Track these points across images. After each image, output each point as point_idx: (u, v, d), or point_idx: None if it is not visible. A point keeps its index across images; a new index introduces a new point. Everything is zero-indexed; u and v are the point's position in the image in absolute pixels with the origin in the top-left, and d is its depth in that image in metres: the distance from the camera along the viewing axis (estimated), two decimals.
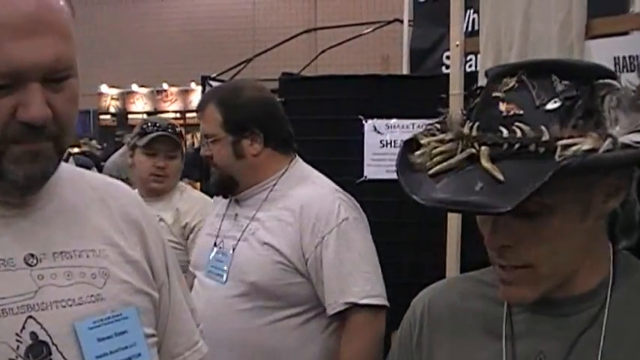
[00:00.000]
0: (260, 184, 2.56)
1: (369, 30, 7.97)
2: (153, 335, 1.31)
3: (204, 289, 2.49)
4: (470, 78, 2.96)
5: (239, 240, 2.48)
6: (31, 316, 1.12)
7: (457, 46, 2.97)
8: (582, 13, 2.50)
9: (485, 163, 1.01)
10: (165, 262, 1.37)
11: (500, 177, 0.99)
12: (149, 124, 3.60)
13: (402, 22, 5.82)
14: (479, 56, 4.12)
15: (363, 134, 3.61)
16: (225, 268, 2.45)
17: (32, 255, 1.16)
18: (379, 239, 3.85)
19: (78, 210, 1.26)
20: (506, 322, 1.19)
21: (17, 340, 1.10)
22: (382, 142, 3.57)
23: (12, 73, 1.05)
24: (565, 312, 1.14)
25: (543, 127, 1.00)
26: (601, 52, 2.44)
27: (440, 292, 1.34)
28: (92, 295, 1.19)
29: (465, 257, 2.91)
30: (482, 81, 2.21)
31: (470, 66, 3.95)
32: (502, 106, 1.05)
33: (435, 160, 1.10)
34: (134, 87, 17.03)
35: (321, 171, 3.91)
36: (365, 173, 3.65)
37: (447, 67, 4.90)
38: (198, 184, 7.95)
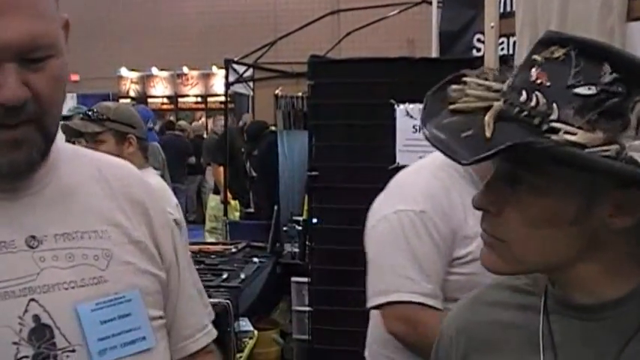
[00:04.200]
0: None
1: (394, 12, 7.93)
2: (160, 317, 1.30)
3: None
4: (503, 61, 2.95)
5: None
6: (33, 299, 1.12)
7: (492, 27, 2.96)
8: None
9: (487, 118, 1.00)
10: (173, 242, 1.36)
11: (488, 134, 0.98)
12: None
13: (429, 3, 5.78)
14: (512, 39, 4.11)
15: (394, 119, 3.61)
16: None
17: (33, 237, 1.15)
18: None
19: (78, 191, 1.25)
20: (543, 331, 1.14)
21: (20, 324, 1.10)
22: (415, 127, 3.55)
23: None
24: (608, 315, 1.10)
25: (555, 105, 0.98)
26: None
27: (469, 308, 1.28)
28: (94, 277, 1.19)
29: None
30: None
31: (502, 49, 3.92)
32: (534, 71, 1.02)
33: (464, 99, 1.07)
34: (154, 70, 17.06)
35: (351, 158, 3.92)
36: (397, 159, 3.65)
37: (478, 50, 4.87)
38: (221, 169, 8.04)
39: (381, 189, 3.94)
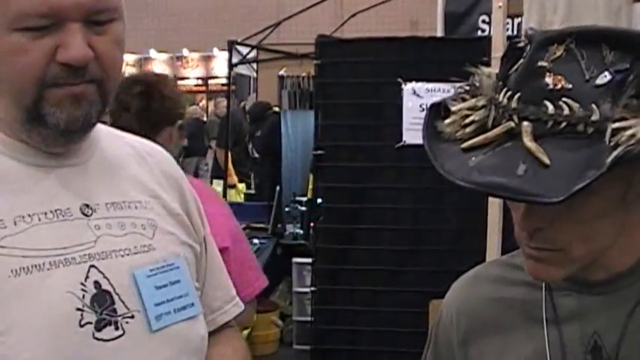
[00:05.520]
0: None
1: None
2: (197, 288, 1.32)
3: None
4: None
5: None
6: (93, 266, 1.14)
7: (500, 7, 3.01)
8: None
9: (529, 143, 0.95)
10: (201, 217, 1.40)
11: (547, 160, 0.93)
12: None
13: None
14: (517, 20, 4.18)
15: (402, 98, 3.67)
16: None
17: (87, 205, 1.18)
18: (420, 206, 3.93)
19: (119, 164, 1.28)
20: (546, 307, 1.14)
21: (82, 290, 1.12)
22: (422, 105, 3.59)
23: (51, 12, 1.06)
24: (611, 289, 1.10)
25: (594, 106, 0.94)
26: None
27: (470, 286, 1.27)
28: (145, 245, 1.22)
29: (508, 223, 2.97)
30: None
31: (507, 30, 3.98)
32: (548, 78, 0.97)
33: (467, 130, 1.04)
34: (152, 53, 16.97)
35: (358, 136, 3.99)
36: (404, 138, 3.71)
37: (483, 31, 4.94)
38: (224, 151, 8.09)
39: (387, 167, 4.02)
